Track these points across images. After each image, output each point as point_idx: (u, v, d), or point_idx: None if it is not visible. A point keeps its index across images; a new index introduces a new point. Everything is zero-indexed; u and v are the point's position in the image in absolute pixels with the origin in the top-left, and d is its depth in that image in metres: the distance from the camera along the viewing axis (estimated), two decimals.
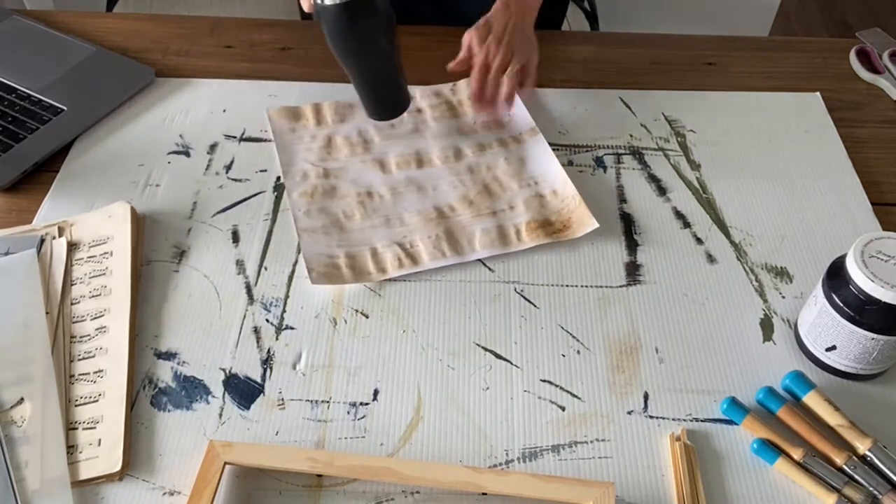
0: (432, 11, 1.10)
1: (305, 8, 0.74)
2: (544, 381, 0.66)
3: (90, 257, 0.72)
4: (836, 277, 0.63)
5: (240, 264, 0.74)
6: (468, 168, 0.83)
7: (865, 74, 0.96)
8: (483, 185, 0.81)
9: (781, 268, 0.75)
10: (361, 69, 0.75)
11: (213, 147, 0.85)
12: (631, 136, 0.88)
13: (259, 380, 0.66)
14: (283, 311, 0.70)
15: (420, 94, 0.91)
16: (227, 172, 0.82)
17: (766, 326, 0.70)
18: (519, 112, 0.88)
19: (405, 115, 0.86)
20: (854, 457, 0.60)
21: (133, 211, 0.76)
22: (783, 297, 0.72)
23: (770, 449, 0.61)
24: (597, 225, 0.75)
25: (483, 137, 0.86)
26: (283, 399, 0.65)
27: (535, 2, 0.87)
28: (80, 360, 0.66)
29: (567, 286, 0.73)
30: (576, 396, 0.65)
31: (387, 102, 0.80)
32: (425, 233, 0.76)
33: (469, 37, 0.84)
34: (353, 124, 0.87)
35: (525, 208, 0.79)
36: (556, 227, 0.77)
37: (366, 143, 0.86)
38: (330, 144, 0.85)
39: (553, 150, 0.84)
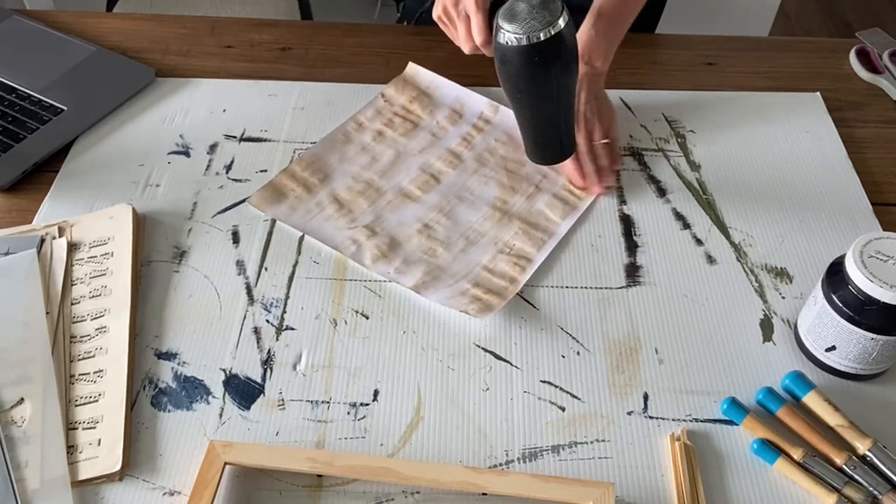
0: None
1: (468, 49, 0.72)
2: (544, 381, 0.66)
3: (91, 258, 0.72)
4: (835, 278, 0.63)
5: (240, 265, 0.74)
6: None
7: (865, 74, 0.96)
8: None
9: (781, 268, 0.75)
10: (540, 110, 0.68)
11: (213, 147, 0.85)
12: (631, 136, 0.87)
13: (259, 380, 0.66)
14: (284, 311, 0.70)
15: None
16: (227, 173, 0.82)
17: (766, 327, 0.70)
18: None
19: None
20: (854, 457, 0.60)
21: (134, 212, 0.76)
22: (783, 298, 0.72)
23: (770, 449, 0.61)
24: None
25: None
26: (283, 399, 0.65)
27: (604, 68, 0.82)
28: (80, 360, 0.66)
29: (567, 287, 0.73)
30: (575, 397, 0.65)
31: (555, 145, 0.71)
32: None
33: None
34: (339, 175, 0.81)
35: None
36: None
37: (371, 186, 0.81)
38: (342, 205, 0.79)
39: None
